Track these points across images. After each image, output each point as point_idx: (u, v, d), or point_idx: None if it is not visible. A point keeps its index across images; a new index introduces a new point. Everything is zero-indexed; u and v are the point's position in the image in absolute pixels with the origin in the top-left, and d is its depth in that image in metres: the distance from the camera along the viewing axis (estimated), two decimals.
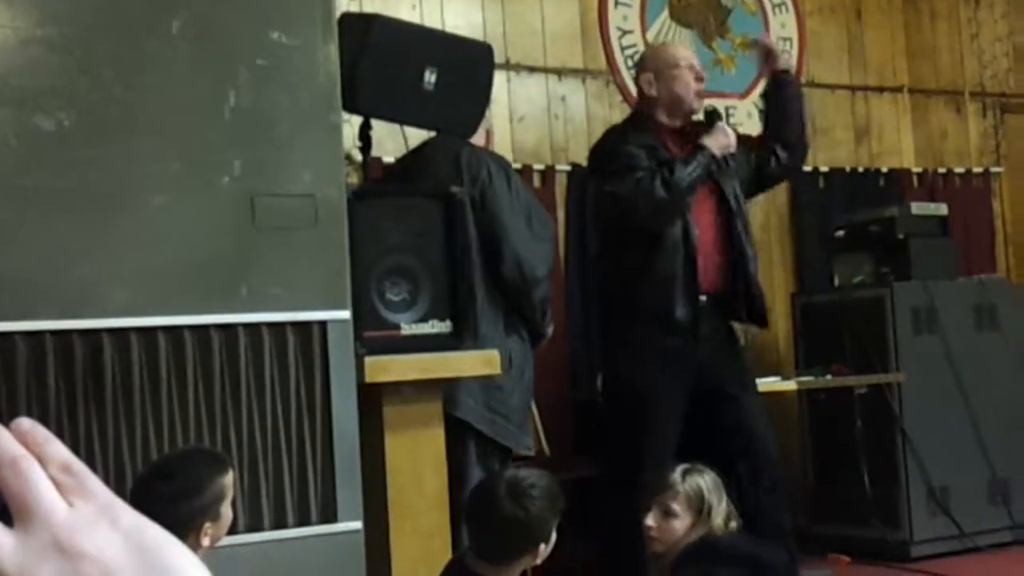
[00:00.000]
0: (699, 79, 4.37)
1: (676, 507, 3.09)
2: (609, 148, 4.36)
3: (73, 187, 2.59)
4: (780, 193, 6.29)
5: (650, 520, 3.07)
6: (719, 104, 6.18)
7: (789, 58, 4.62)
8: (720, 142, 4.27)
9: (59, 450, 0.64)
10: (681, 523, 3.10)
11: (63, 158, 2.59)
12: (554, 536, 2.54)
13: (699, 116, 4.43)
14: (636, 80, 4.53)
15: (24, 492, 0.61)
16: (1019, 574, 5.17)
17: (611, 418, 4.49)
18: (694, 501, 3.12)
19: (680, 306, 4.19)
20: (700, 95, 4.38)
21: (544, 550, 2.51)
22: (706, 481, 3.19)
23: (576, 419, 5.43)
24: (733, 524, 3.25)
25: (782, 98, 4.57)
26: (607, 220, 4.49)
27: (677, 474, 3.15)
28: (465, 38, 4.13)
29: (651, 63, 4.46)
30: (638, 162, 4.20)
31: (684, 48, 4.62)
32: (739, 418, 4.35)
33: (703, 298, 4.27)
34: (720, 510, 3.18)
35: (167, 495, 2.33)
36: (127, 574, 0.61)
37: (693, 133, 4.34)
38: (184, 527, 2.32)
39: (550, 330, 4.24)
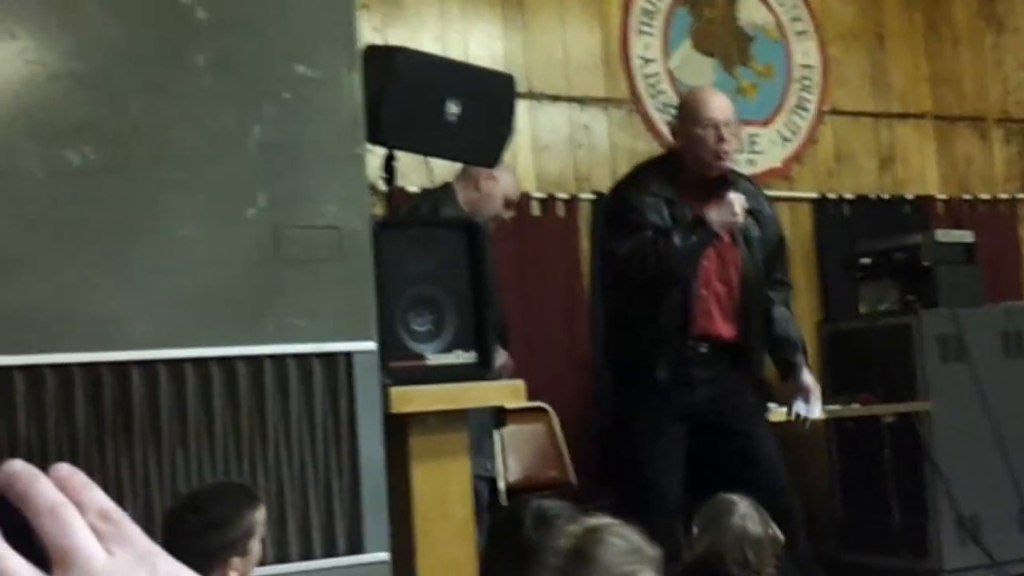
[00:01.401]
0: (721, 140, 4.29)
1: None
2: (622, 198, 4.37)
3: (99, 220, 2.61)
4: (804, 221, 6.29)
5: None
6: (743, 132, 6.22)
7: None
8: (724, 216, 4.20)
9: (98, 496, 0.64)
10: None
11: (89, 191, 2.60)
12: None
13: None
14: (670, 123, 4.53)
15: (63, 540, 0.61)
16: None
17: (619, 450, 4.53)
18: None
19: (662, 368, 4.22)
20: (723, 155, 4.30)
21: None
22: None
23: (603, 448, 5.42)
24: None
25: None
26: (606, 272, 4.52)
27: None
28: (487, 69, 4.14)
29: (680, 111, 4.44)
30: (645, 218, 4.21)
31: (715, 99, 4.46)
32: (741, 450, 4.35)
33: (703, 349, 4.28)
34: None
35: (197, 528, 2.33)
36: None
37: (715, 187, 4.31)
38: (212, 561, 2.32)
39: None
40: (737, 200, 4.22)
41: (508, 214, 4.35)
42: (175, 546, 2.33)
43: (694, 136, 4.30)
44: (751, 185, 4.58)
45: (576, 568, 1.93)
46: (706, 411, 4.33)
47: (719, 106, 4.39)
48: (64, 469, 0.64)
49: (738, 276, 4.37)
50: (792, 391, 4.50)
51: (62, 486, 0.63)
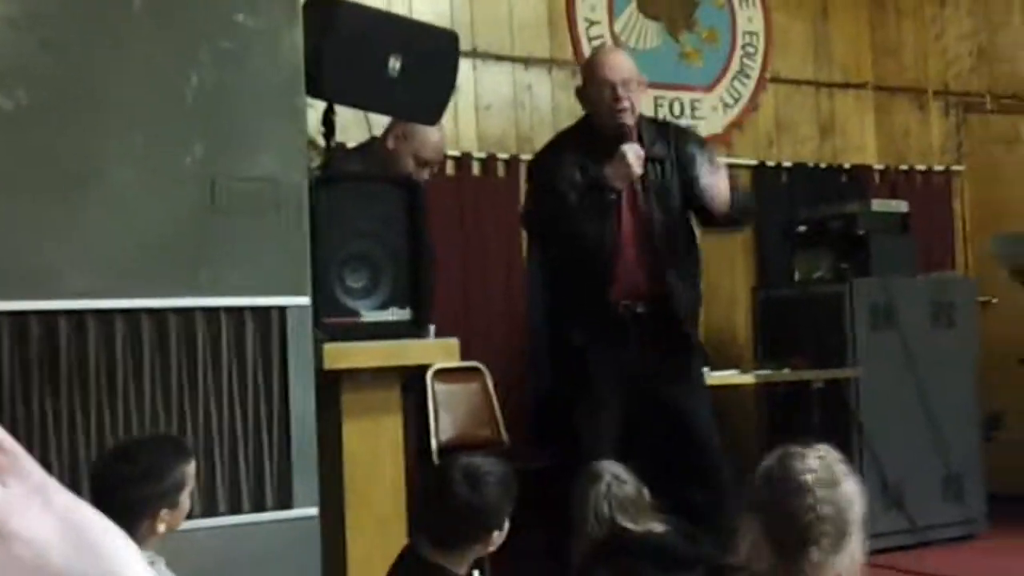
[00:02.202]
0: (616, 99, 4.27)
1: None
2: (539, 164, 4.48)
3: (31, 167, 2.57)
4: (743, 185, 6.32)
5: None
6: (685, 97, 6.23)
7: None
8: (620, 172, 4.23)
9: None
10: None
11: (22, 138, 2.56)
12: (507, 524, 2.54)
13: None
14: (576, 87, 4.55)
15: None
16: (970, 569, 5.22)
17: (553, 409, 4.58)
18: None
19: (578, 334, 4.25)
20: (619, 113, 4.28)
21: (497, 537, 2.51)
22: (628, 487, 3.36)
23: (537, 409, 5.44)
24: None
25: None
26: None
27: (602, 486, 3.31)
28: (431, 25, 4.11)
29: (582, 73, 4.48)
30: (556, 183, 4.25)
31: (611, 58, 4.45)
32: (676, 411, 4.39)
33: (639, 310, 4.30)
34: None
35: (128, 477, 2.32)
36: (59, 554, 0.61)
37: (617, 139, 4.30)
38: (142, 511, 2.31)
39: None
40: (630, 150, 4.22)
41: (422, 174, 4.29)
42: (104, 496, 2.33)
43: (592, 96, 4.34)
44: (663, 130, 4.53)
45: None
46: (639, 375, 4.34)
47: (614, 65, 4.38)
48: None
49: (650, 227, 4.35)
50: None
51: None
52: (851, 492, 2.11)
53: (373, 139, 4.50)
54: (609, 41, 6.07)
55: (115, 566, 0.64)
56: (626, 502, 3.56)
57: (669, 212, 4.37)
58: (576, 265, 4.27)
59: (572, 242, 4.25)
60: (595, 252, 4.24)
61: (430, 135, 4.32)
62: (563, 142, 4.44)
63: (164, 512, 2.34)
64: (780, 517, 2.06)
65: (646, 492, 3.64)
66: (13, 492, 0.62)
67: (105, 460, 2.44)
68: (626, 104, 4.28)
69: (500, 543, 2.55)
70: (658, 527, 3.57)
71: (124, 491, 2.31)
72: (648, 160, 4.31)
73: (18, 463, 0.63)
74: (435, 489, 2.61)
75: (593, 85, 4.32)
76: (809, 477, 2.08)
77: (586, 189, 4.22)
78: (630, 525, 3.51)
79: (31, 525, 0.61)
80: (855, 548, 2.09)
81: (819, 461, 2.11)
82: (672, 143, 4.43)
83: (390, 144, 4.32)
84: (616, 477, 3.63)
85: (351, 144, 4.66)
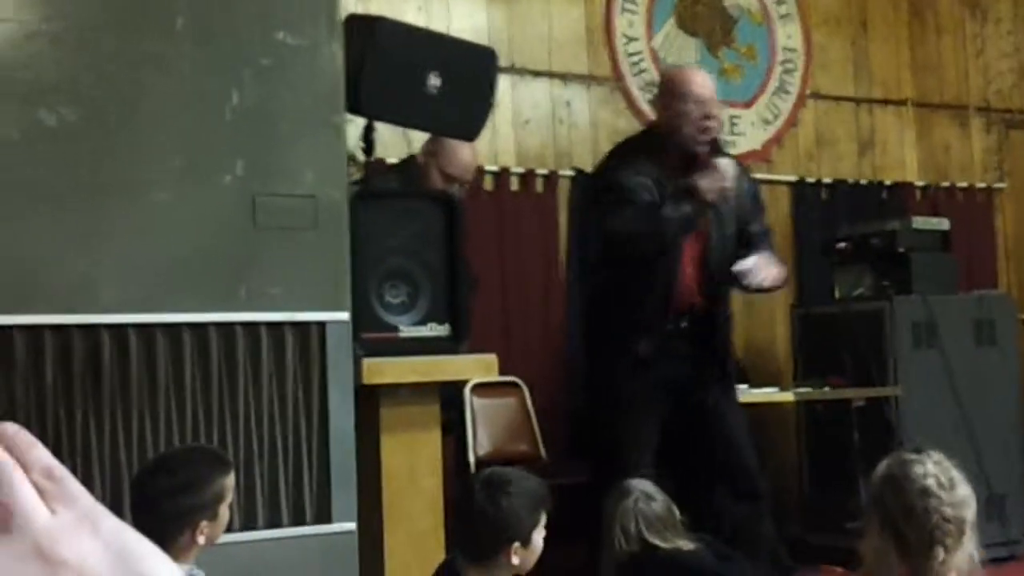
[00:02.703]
0: (707, 117, 4.28)
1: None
2: (611, 176, 4.33)
3: (74, 182, 2.59)
4: (783, 203, 6.30)
5: None
6: (724, 113, 6.22)
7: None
8: (715, 184, 4.16)
9: (42, 455, 0.64)
10: None
11: (65, 153, 2.59)
12: (535, 539, 2.52)
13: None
14: (652, 100, 4.48)
15: (5, 497, 0.61)
16: None
17: (594, 427, 4.53)
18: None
19: (644, 344, 4.23)
20: (707, 131, 4.29)
21: (521, 550, 2.49)
22: (657, 505, 3.38)
23: (573, 425, 5.43)
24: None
25: None
26: (596, 248, 4.45)
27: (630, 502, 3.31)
28: (469, 42, 4.12)
29: (664, 88, 4.39)
30: (636, 196, 4.20)
31: (699, 76, 4.45)
32: (719, 430, 4.37)
33: (683, 324, 4.29)
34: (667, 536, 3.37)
35: (168, 489, 2.33)
36: None
37: (696, 162, 4.29)
38: (182, 522, 2.32)
39: None
40: (727, 167, 4.22)
41: (455, 190, 4.29)
42: (145, 507, 2.35)
43: (680, 112, 4.28)
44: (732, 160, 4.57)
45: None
46: (684, 389, 4.34)
47: (705, 83, 4.39)
48: (10, 428, 0.64)
49: (708, 250, 4.37)
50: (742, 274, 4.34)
51: (7, 444, 0.63)
52: (967, 494, 2.23)
53: (411, 156, 4.52)
54: (648, 57, 6.07)
55: None
56: (654, 519, 3.56)
57: (723, 237, 4.38)
58: (643, 278, 4.25)
59: (654, 255, 4.22)
60: (665, 266, 4.24)
61: (458, 151, 4.33)
62: (631, 156, 4.36)
63: (204, 524, 2.35)
64: (907, 521, 2.17)
65: (675, 510, 3.65)
66: (61, 518, 0.63)
67: (145, 472, 2.46)
68: (715, 122, 4.30)
69: (531, 560, 2.53)
70: (687, 544, 3.57)
71: (164, 503, 2.33)
72: None
73: (66, 489, 0.64)
74: (460, 500, 2.61)
75: (681, 100, 4.28)
76: (931, 481, 2.19)
77: (675, 201, 4.20)
78: (658, 542, 3.51)
79: (79, 552, 0.61)
80: (971, 548, 2.22)
81: (936, 466, 2.23)
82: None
83: (420, 159, 4.34)
84: (645, 494, 3.63)
85: (391, 160, 4.69)
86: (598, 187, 4.40)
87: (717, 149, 4.29)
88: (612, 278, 4.37)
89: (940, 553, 2.15)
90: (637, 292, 4.27)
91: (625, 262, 4.26)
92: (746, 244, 4.43)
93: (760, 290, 4.42)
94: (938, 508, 2.16)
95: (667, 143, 4.33)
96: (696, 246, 4.36)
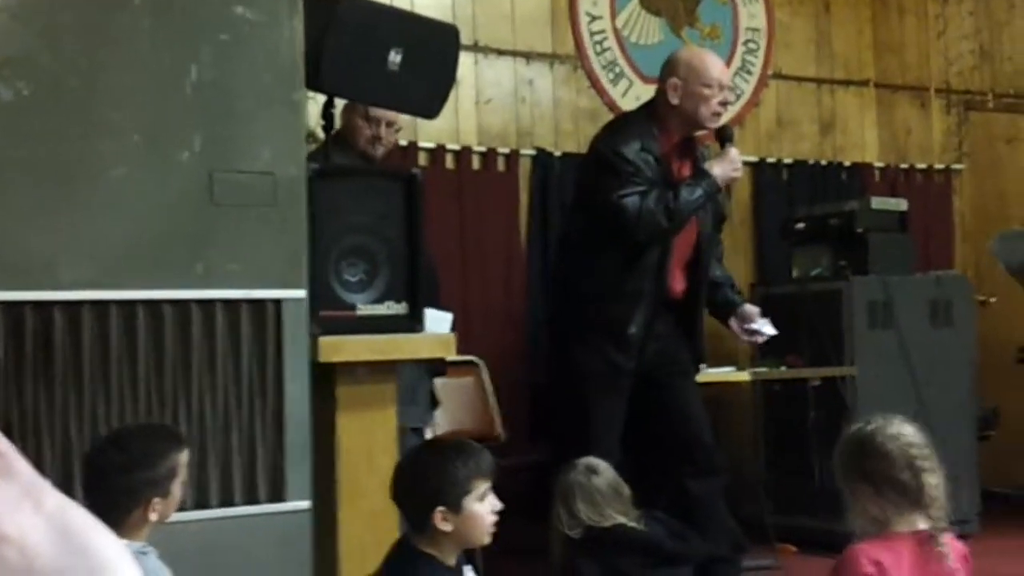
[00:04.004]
0: (723, 103, 4.36)
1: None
2: (616, 150, 4.29)
3: (30, 158, 2.58)
4: (743, 183, 6.33)
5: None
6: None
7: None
8: (727, 171, 4.30)
9: None
10: None
11: (20, 128, 2.57)
12: (468, 506, 2.52)
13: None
14: (661, 79, 4.43)
15: None
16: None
17: (559, 401, 4.55)
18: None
19: (635, 324, 4.26)
20: (720, 115, 4.37)
21: (451, 515, 2.52)
22: (603, 479, 3.39)
23: (534, 404, 5.46)
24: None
25: None
26: (596, 221, 4.40)
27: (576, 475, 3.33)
28: (431, 19, 4.11)
29: (683, 70, 4.37)
30: (642, 174, 4.22)
31: (720, 63, 4.50)
32: (674, 404, 4.42)
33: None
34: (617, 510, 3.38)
35: (121, 464, 2.33)
36: (48, 556, 0.61)
37: (692, 146, 4.36)
38: (133, 499, 2.32)
39: None
40: (737, 155, 4.34)
41: (384, 135, 4.24)
42: (96, 482, 2.34)
43: (699, 94, 4.31)
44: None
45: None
46: (650, 369, 4.37)
47: (725, 69, 4.51)
48: None
49: (696, 236, 4.43)
50: (744, 317, 4.55)
51: None
52: (930, 447, 2.48)
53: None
54: (611, 36, 6.07)
55: (104, 568, 0.64)
56: (594, 494, 3.57)
57: (708, 223, 4.46)
58: (641, 258, 4.28)
59: (668, 234, 4.26)
60: (662, 246, 4.28)
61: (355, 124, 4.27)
62: (633, 131, 4.36)
63: (156, 501, 2.34)
64: (895, 481, 2.37)
65: (623, 485, 3.65)
66: (3, 492, 0.63)
67: (98, 447, 2.45)
68: (726, 108, 4.44)
69: (467, 525, 2.54)
70: (628, 521, 3.58)
71: (116, 479, 2.33)
72: None
73: (9, 463, 0.64)
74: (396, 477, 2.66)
75: (702, 83, 4.31)
76: (908, 430, 2.46)
77: (694, 183, 4.26)
78: (595, 518, 3.53)
79: (20, 526, 0.61)
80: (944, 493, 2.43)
81: (909, 427, 2.47)
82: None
83: (342, 117, 4.22)
84: (589, 468, 3.64)
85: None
86: (602, 161, 4.36)
87: (728, 138, 4.36)
88: (599, 257, 4.35)
89: (929, 501, 2.38)
90: (629, 271, 4.28)
91: (618, 241, 4.27)
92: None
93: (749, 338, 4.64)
94: (923, 465, 2.40)
95: (672, 122, 4.35)
96: (685, 240, 4.40)
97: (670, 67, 4.40)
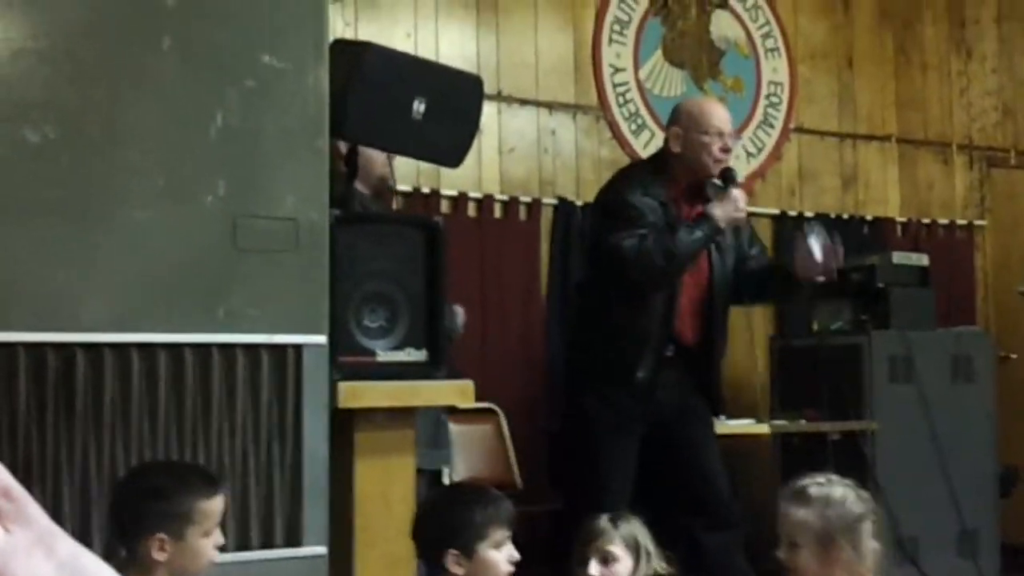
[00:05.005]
0: (724, 150, 4.37)
1: (616, 551, 3.11)
2: (620, 196, 4.34)
3: (54, 199, 2.60)
4: (764, 237, 6.31)
5: (593, 569, 3.07)
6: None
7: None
8: (729, 212, 4.28)
9: (2, 476, 0.65)
10: (623, 567, 3.11)
11: (46, 171, 2.59)
12: (483, 552, 2.51)
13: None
14: (666, 128, 4.52)
15: None
16: None
17: (570, 448, 4.54)
18: (631, 544, 3.15)
19: (643, 369, 4.25)
20: (721, 163, 4.39)
21: (463, 560, 2.50)
22: (636, 525, 3.26)
23: (552, 451, 5.44)
24: (666, 567, 3.32)
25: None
26: (601, 267, 4.45)
27: (605, 521, 3.18)
28: (455, 69, 4.14)
29: (683, 120, 4.44)
30: (645, 218, 4.23)
31: (721, 110, 4.54)
32: (690, 457, 4.39)
33: (669, 352, 4.32)
34: (655, 552, 3.24)
35: (134, 493, 2.32)
36: None
37: (704, 191, 4.38)
38: (140, 529, 2.28)
39: None
40: (741, 196, 4.32)
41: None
42: (117, 510, 2.32)
43: (699, 143, 4.34)
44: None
45: None
46: (663, 418, 4.36)
47: (725, 117, 4.50)
48: None
49: (708, 280, 4.42)
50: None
51: None
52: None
53: None
54: (634, 88, 6.11)
55: None
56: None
57: (725, 267, 4.45)
58: (647, 303, 4.28)
59: (666, 277, 4.25)
60: (668, 292, 4.28)
61: (371, 156, 4.28)
62: (640, 178, 4.41)
63: (163, 538, 2.27)
64: (846, 534, 2.54)
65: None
66: (16, 538, 0.63)
67: (125, 475, 2.45)
68: (730, 155, 4.42)
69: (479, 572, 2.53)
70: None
71: (130, 507, 2.31)
72: None
73: (23, 510, 0.64)
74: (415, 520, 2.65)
75: (701, 131, 4.35)
76: (851, 495, 2.62)
77: (693, 225, 4.26)
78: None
79: (32, 572, 0.62)
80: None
81: (842, 485, 2.64)
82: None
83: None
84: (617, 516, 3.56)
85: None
86: (606, 207, 4.42)
87: (731, 179, 4.36)
88: (609, 301, 4.38)
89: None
90: (638, 317, 4.28)
91: (623, 285, 4.28)
92: (746, 273, 4.52)
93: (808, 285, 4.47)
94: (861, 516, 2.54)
95: (677, 169, 4.38)
96: (695, 283, 4.40)
97: (673, 116, 4.49)
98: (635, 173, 4.52)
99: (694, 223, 4.25)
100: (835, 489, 2.65)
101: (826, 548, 2.54)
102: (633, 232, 4.21)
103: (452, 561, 2.48)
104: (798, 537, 2.58)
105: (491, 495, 2.60)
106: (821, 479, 2.74)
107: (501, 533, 2.53)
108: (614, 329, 4.32)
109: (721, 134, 4.36)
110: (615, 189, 4.45)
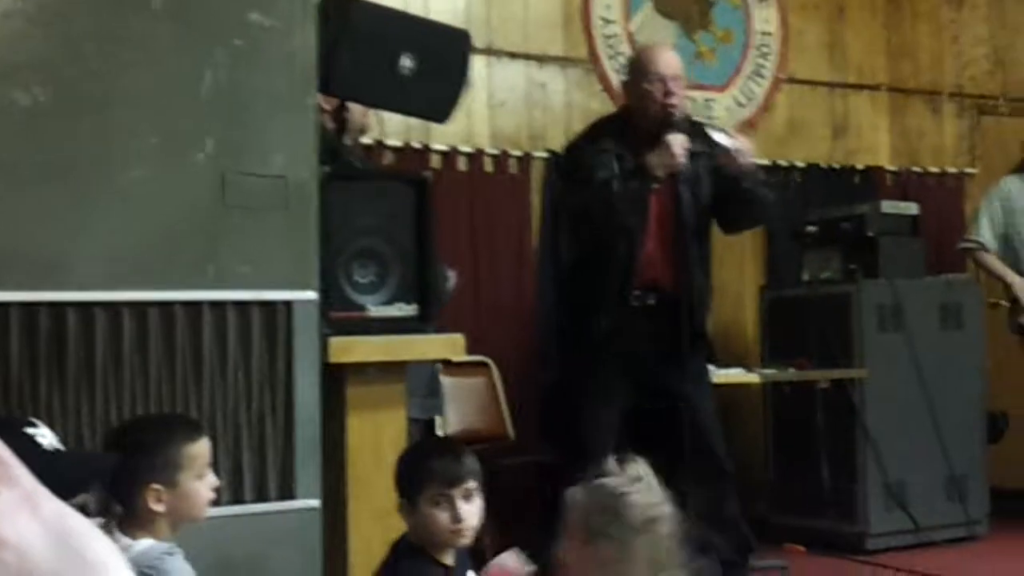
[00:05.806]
0: (667, 94, 4.36)
1: None
2: (575, 153, 4.44)
3: (45, 161, 2.62)
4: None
5: None
6: (699, 96, 6.26)
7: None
8: (665, 159, 4.28)
9: None
10: None
11: (37, 132, 2.61)
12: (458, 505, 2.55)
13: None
14: (622, 80, 4.58)
15: None
16: (972, 570, 5.26)
17: (560, 407, 4.59)
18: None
19: (604, 317, 4.28)
20: (670, 107, 4.37)
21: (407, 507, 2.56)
22: (643, 466, 3.28)
23: (543, 404, 5.49)
24: None
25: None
26: (558, 222, 4.54)
27: (613, 463, 3.19)
28: (443, 24, 4.15)
29: (630, 67, 4.50)
30: (597, 172, 4.27)
31: (663, 55, 4.54)
32: (690, 418, 4.43)
33: (650, 301, 4.35)
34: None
35: (121, 446, 2.34)
36: (45, 561, 0.63)
37: (663, 129, 4.39)
38: (133, 483, 2.31)
39: None
40: (675, 141, 4.29)
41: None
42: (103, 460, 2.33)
43: (643, 91, 4.39)
44: (705, 128, 4.59)
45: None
46: (649, 372, 4.39)
47: (666, 61, 4.48)
48: None
49: (674, 222, 4.42)
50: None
51: None
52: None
53: None
54: (624, 40, 6.11)
55: (98, 571, 0.66)
56: None
57: (698, 202, 4.45)
58: (604, 253, 4.32)
59: (608, 230, 4.29)
60: (626, 241, 4.30)
61: (352, 107, 4.28)
62: (600, 132, 4.47)
63: (157, 487, 2.30)
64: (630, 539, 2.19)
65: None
66: (2, 499, 0.65)
67: (114, 433, 2.48)
68: (676, 99, 4.37)
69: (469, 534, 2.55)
70: None
71: (117, 459, 2.34)
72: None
73: (8, 471, 0.66)
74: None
75: (645, 79, 4.38)
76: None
77: (626, 177, 4.28)
78: None
79: (18, 531, 0.63)
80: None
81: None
82: (708, 142, 4.49)
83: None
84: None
85: (364, 140, 4.70)
86: (558, 163, 4.51)
87: (670, 124, 4.34)
88: (577, 254, 4.44)
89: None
90: (597, 268, 4.33)
91: (587, 238, 4.33)
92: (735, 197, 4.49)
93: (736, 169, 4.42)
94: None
95: (637, 119, 4.41)
96: (661, 218, 4.40)
97: (624, 69, 4.51)
98: (594, 128, 4.59)
99: (628, 174, 4.28)
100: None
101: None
102: (575, 187, 4.27)
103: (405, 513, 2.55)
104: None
105: (455, 448, 2.65)
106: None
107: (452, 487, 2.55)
108: (580, 283, 4.39)
109: (663, 79, 4.36)
110: (571, 147, 4.57)
